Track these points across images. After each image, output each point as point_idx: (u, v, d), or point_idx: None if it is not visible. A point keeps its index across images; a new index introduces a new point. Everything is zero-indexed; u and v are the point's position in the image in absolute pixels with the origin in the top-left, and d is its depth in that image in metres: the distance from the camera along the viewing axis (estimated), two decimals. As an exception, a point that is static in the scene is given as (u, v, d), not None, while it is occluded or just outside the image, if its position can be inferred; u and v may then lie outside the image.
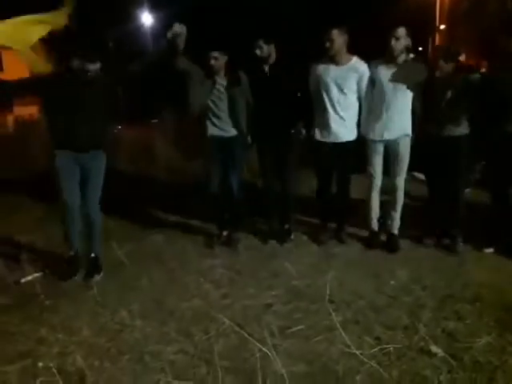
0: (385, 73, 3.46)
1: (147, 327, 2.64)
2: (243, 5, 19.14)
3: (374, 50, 3.79)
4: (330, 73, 3.51)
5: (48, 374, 2.23)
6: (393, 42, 3.37)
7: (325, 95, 3.55)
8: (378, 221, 3.81)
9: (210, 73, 3.60)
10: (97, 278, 3.25)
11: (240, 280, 3.20)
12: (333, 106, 3.54)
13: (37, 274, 3.30)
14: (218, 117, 3.68)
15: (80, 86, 3.09)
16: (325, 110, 3.57)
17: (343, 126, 3.58)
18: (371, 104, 3.55)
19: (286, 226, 3.95)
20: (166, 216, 4.50)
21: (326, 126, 3.60)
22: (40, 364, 2.34)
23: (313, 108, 3.69)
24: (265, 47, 3.59)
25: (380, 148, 3.59)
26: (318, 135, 3.67)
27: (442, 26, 21.13)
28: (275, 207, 3.97)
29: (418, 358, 2.30)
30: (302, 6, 19.24)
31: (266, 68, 3.65)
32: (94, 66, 3.06)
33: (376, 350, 2.35)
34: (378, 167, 3.63)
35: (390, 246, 3.68)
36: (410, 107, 3.53)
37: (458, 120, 3.40)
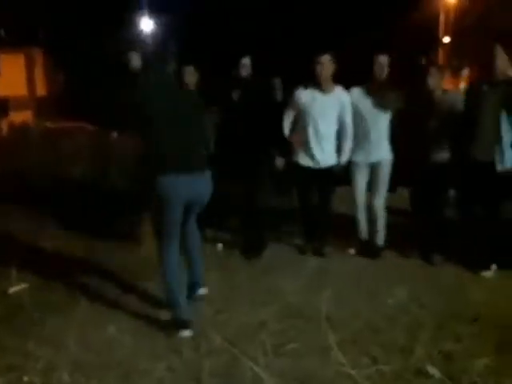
0: (365, 100, 3.61)
1: (136, 343, 2.57)
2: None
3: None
4: (315, 100, 3.58)
5: (32, 390, 2.16)
6: (377, 69, 3.54)
7: (308, 121, 3.60)
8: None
9: None
10: None
11: (234, 296, 3.13)
12: (316, 132, 3.61)
13: (24, 285, 3.24)
14: None
15: None
16: (307, 135, 3.62)
17: (325, 152, 3.66)
18: (355, 129, 3.65)
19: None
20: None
21: (307, 152, 3.66)
22: (25, 378, 2.28)
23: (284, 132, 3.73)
24: (248, 66, 3.61)
25: (364, 170, 3.72)
26: (299, 159, 3.72)
27: (447, 40, 21.30)
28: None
29: (414, 380, 2.24)
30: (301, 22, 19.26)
31: (240, 87, 3.65)
32: None
33: (372, 370, 2.28)
34: (362, 189, 3.76)
35: (372, 252, 3.79)
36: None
37: (443, 145, 3.50)
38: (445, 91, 3.55)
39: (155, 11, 18.97)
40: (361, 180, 3.74)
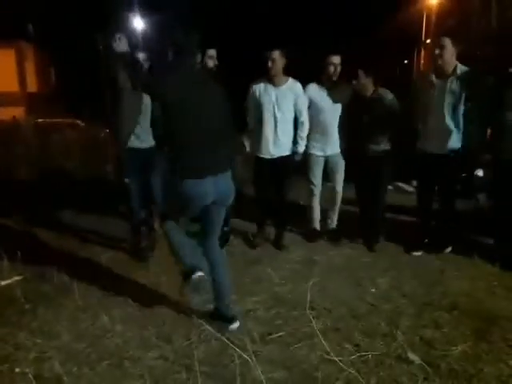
0: (322, 95, 3.81)
1: (128, 332, 2.62)
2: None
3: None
4: (268, 93, 3.70)
5: (24, 380, 2.21)
6: (331, 68, 3.75)
7: (264, 114, 3.72)
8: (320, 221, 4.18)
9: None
10: None
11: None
12: (271, 124, 3.72)
13: (17, 278, 3.26)
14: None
15: None
16: (264, 127, 3.74)
17: (281, 143, 3.77)
18: (312, 123, 3.82)
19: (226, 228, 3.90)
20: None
21: (264, 143, 3.78)
22: (17, 369, 2.31)
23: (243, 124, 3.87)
24: (215, 57, 3.67)
25: (321, 162, 3.95)
26: (256, 151, 3.84)
27: (428, 41, 21.58)
28: None
29: (395, 366, 2.33)
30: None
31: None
32: None
33: (355, 357, 2.37)
34: (319, 179, 4.00)
35: (333, 238, 4.07)
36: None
37: (378, 139, 3.70)
38: (375, 91, 3.67)
39: (147, 10, 18.95)
40: (318, 172, 3.98)
